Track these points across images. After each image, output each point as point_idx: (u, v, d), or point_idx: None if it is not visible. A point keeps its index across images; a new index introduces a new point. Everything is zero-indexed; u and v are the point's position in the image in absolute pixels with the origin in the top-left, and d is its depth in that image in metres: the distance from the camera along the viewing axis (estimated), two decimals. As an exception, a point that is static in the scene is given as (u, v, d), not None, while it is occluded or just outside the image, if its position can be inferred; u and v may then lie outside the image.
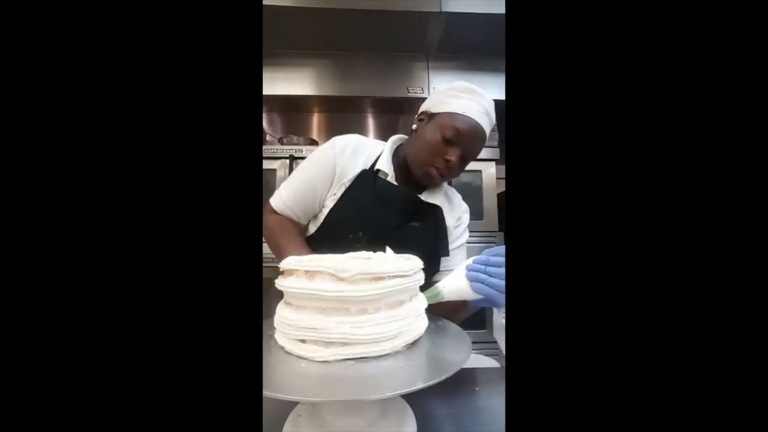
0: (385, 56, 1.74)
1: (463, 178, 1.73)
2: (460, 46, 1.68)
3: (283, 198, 0.70)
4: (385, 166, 0.70)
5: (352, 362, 0.35)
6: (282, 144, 1.65)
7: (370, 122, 2.05)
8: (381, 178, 0.70)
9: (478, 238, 1.73)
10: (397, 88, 1.73)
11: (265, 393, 0.28)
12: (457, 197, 0.81)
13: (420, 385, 0.30)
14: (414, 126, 0.72)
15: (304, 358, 0.36)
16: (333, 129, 2.03)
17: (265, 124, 1.99)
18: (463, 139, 0.65)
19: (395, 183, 0.70)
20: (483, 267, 0.47)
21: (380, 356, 0.36)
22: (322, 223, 0.68)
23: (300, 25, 1.53)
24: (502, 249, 0.47)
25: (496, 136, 1.74)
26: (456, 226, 0.77)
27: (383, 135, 1.04)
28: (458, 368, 0.33)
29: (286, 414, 0.41)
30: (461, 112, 0.65)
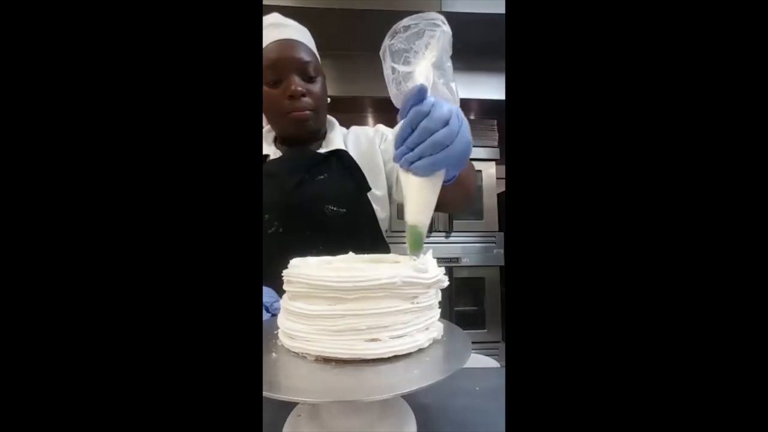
0: (385, 56, 1.73)
1: (463, 178, 1.73)
2: (460, 46, 1.67)
3: None
4: (267, 149, 0.68)
5: (352, 362, 0.35)
6: (282, 144, 1.65)
7: (370, 122, 2.05)
8: (267, 162, 0.67)
9: (478, 238, 1.73)
10: (397, 88, 1.72)
11: (265, 393, 0.28)
12: (364, 128, 0.77)
13: (419, 386, 0.30)
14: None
15: (305, 358, 0.36)
16: (333, 129, 2.02)
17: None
18: (281, 63, 0.62)
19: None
20: (404, 152, 0.39)
21: (380, 357, 0.35)
22: None
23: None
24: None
25: (496, 136, 1.74)
26: (380, 146, 0.73)
27: (383, 135, 1.03)
28: (458, 368, 0.33)
29: (286, 414, 0.41)
30: (263, 49, 0.62)
